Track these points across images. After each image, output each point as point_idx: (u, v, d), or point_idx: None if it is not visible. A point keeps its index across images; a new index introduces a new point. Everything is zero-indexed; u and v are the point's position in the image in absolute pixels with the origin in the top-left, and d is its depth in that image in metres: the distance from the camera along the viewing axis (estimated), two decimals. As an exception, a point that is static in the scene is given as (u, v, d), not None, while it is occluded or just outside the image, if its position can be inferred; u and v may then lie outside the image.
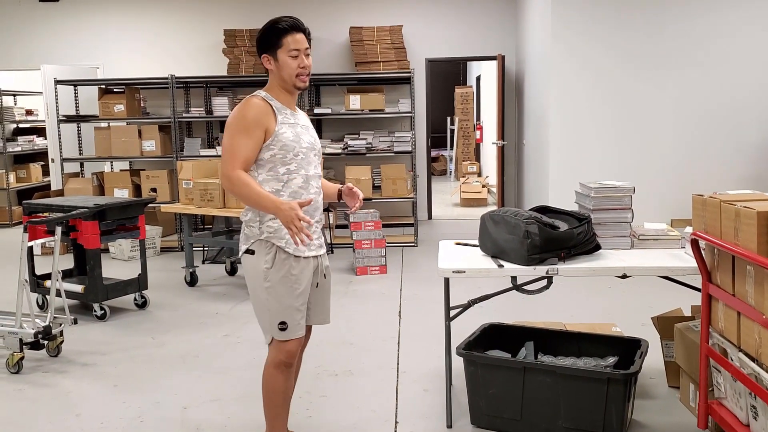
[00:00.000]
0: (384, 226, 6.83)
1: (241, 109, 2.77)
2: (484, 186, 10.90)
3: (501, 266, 3.18)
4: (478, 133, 13.20)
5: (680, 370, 3.53)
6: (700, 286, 2.98)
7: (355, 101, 7.94)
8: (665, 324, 3.77)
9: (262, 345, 4.51)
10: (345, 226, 8.09)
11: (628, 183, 3.61)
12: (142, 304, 5.50)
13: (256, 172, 2.80)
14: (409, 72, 7.94)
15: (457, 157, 14.32)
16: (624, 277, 3.17)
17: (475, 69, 14.84)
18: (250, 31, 8.56)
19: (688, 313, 4.00)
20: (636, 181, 6.82)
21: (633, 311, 5.02)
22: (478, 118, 14.19)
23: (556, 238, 3.18)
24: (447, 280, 3.28)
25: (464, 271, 3.19)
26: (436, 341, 4.49)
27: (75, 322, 4.47)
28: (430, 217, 9.58)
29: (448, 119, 15.36)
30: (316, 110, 8.27)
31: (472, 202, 10.73)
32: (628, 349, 3.43)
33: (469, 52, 9.30)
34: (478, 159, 13.93)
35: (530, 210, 3.49)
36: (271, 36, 2.80)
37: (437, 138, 13.99)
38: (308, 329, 3.02)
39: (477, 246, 3.57)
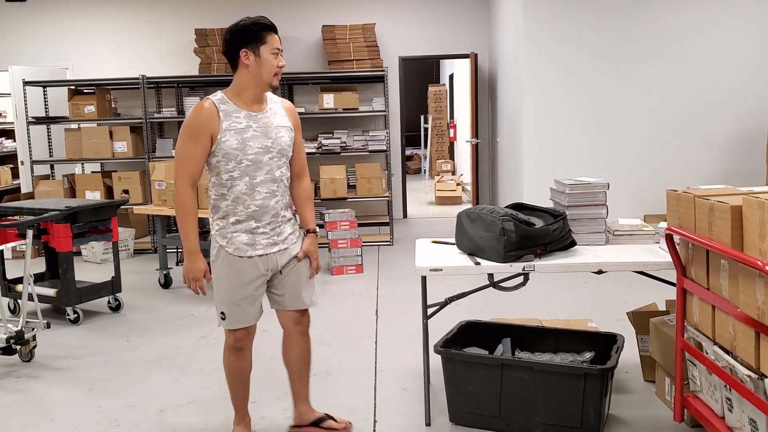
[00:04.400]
0: (359, 225, 6.82)
1: (190, 115, 2.81)
2: (458, 184, 10.94)
3: (478, 264, 3.19)
4: (452, 131, 13.24)
5: (656, 365, 3.57)
6: (674, 281, 3.02)
7: (329, 100, 7.91)
8: (640, 319, 3.81)
9: (238, 346, 4.49)
10: (320, 226, 8.06)
11: (602, 179, 3.64)
12: (116, 307, 5.43)
13: (209, 175, 2.91)
14: (383, 70, 7.94)
15: (431, 156, 14.35)
16: (599, 272, 3.20)
17: (448, 67, 14.88)
18: (221, 31, 8.49)
19: (662, 307, 4.05)
20: (610, 177, 6.86)
21: (608, 306, 5.07)
22: (452, 117, 14.24)
23: (532, 235, 3.20)
24: (424, 279, 3.28)
25: (441, 269, 3.19)
26: (413, 339, 4.49)
27: (48, 326, 4.40)
28: (405, 215, 9.59)
29: (422, 118, 15.40)
30: (290, 109, 8.22)
31: (447, 200, 10.76)
32: (605, 344, 3.46)
33: (442, 51, 9.32)
34: (452, 157, 13.97)
35: (506, 207, 3.50)
36: (255, 31, 2.82)
37: (411, 137, 14.00)
38: (303, 312, 3.19)
39: (454, 244, 3.57)
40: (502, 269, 3.17)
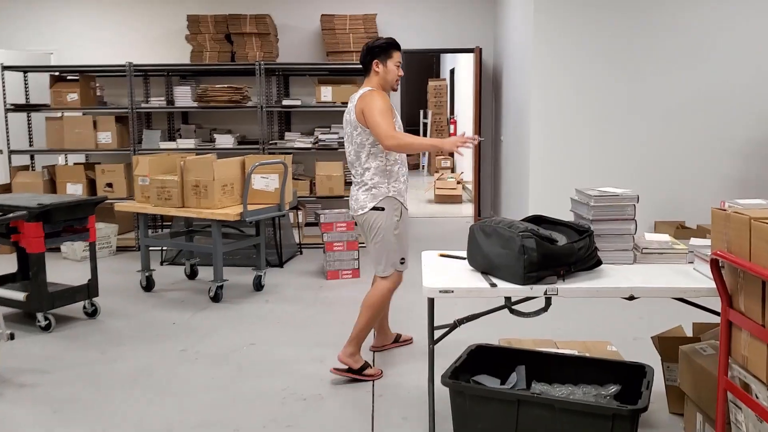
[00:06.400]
0: (356, 225, 6.43)
1: (379, 98, 3.69)
2: (459, 182, 10.56)
3: (494, 285, 2.82)
4: (452, 127, 12.85)
5: (685, 398, 3.21)
6: (714, 309, 2.65)
7: (326, 93, 7.52)
8: (667, 345, 3.45)
9: (222, 362, 4.10)
10: (315, 224, 7.68)
11: (630, 190, 3.27)
12: (92, 313, 5.04)
13: (375, 147, 3.74)
14: (384, 63, 7.54)
15: (430, 152, 13.96)
16: (631, 298, 2.83)
17: (449, 61, 14.47)
18: (214, 17, 8.06)
19: (688, 330, 3.70)
20: (619, 182, 6.54)
21: (624, 323, 4.71)
22: (452, 112, 13.84)
23: (556, 254, 2.83)
24: (432, 301, 2.91)
25: (452, 291, 2.82)
26: (415, 358, 4.12)
27: (11, 337, 3.99)
28: (403, 215, 9.20)
29: (421, 113, 14.99)
30: (285, 102, 7.83)
31: (446, 198, 10.38)
32: (630, 374, 3.09)
33: (444, 44, 8.92)
34: (451, 154, 13.59)
35: (523, 220, 3.13)
36: (386, 48, 3.82)
37: (410, 132, 13.57)
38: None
39: (464, 258, 3.20)
40: (521, 292, 2.80)
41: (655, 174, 6.56)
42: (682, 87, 6.52)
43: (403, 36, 8.70)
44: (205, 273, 6.12)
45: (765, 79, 6.48)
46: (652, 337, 3.55)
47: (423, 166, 14.73)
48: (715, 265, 2.55)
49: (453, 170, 12.10)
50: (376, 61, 3.80)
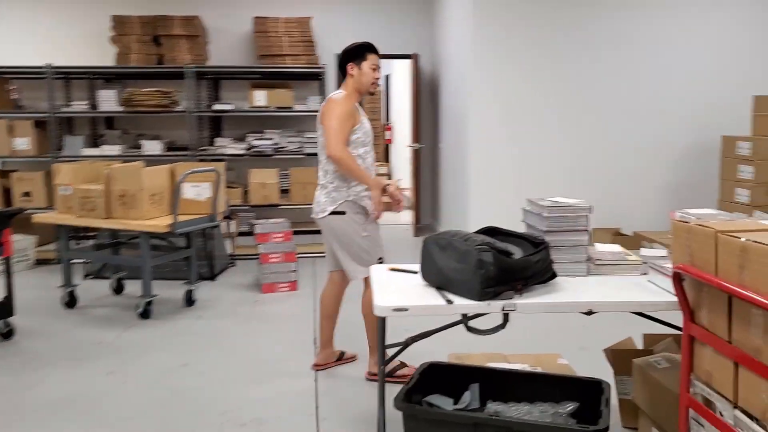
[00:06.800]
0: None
1: (341, 105, 3.70)
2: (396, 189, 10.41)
3: (450, 302, 2.66)
4: (387, 133, 12.73)
5: (639, 412, 3.13)
6: (671, 322, 2.58)
7: (260, 97, 7.27)
8: (620, 358, 3.38)
9: (153, 385, 3.82)
10: (248, 234, 7.39)
11: (583, 201, 3.19)
12: (8, 334, 4.64)
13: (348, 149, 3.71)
14: (321, 67, 7.36)
15: (364, 158, 13.81)
16: (590, 313, 2.72)
17: (384, 68, 14.37)
18: (141, 18, 7.69)
19: (638, 341, 3.65)
20: (559, 188, 6.54)
21: (568, 332, 4.64)
22: (388, 119, 13.73)
23: (513, 268, 2.70)
24: (383, 320, 2.73)
25: (407, 309, 2.64)
26: (358, 372, 3.94)
27: None
28: (340, 223, 9.01)
29: (355, 118, 14.82)
30: (216, 106, 7.54)
31: (384, 205, 10.21)
32: (587, 390, 3.00)
33: (382, 50, 8.55)
34: (388, 160, 13.47)
35: (477, 232, 3.00)
36: (360, 50, 3.84)
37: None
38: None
39: (416, 272, 3.04)
40: (478, 308, 2.66)
41: (591, 181, 6.59)
42: (617, 95, 6.57)
43: (340, 41, 8.46)
44: (133, 287, 5.77)
45: (697, 87, 6.60)
46: (604, 350, 3.48)
47: (357, 172, 14.56)
48: (677, 279, 2.46)
49: (389, 177, 11.98)
50: (350, 64, 3.81)
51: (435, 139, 8.63)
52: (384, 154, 13.78)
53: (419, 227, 8.54)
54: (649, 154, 6.67)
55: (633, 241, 6.29)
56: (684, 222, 2.46)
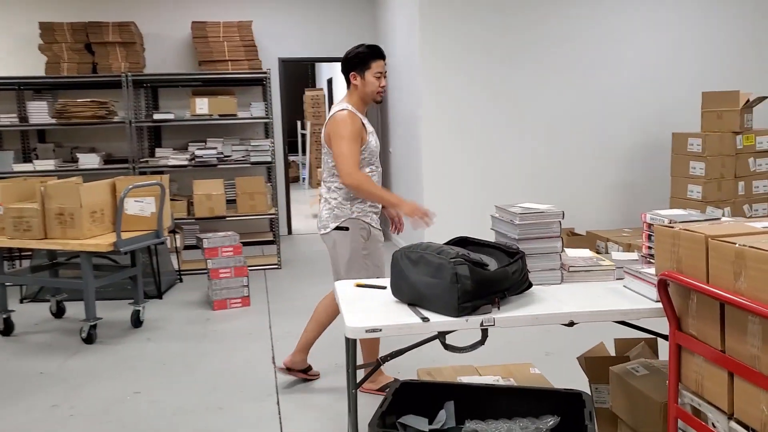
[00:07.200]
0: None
1: (347, 123, 3.49)
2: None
3: (426, 319, 2.51)
4: (332, 138, 12.53)
5: (618, 421, 3.05)
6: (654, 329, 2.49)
7: (202, 105, 6.99)
8: (595, 365, 3.28)
9: (102, 418, 3.55)
10: (194, 247, 7.11)
11: (554, 207, 3.08)
12: (-62, 369, 4.29)
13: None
14: (265, 73, 7.13)
15: (311, 164, 13.58)
16: (571, 324, 2.61)
17: (325, 71, 14.18)
18: (72, 25, 7.32)
19: (609, 346, 3.57)
20: (511, 188, 6.49)
21: (532, 338, 4.56)
22: (331, 123, 13.53)
23: (490, 280, 2.56)
24: (354, 342, 2.56)
25: (380, 329, 2.48)
26: (325, 395, 3.75)
27: None
28: (290, 232, 8.79)
29: (299, 123, 14.57)
30: (156, 115, 7.23)
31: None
32: (567, 403, 2.89)
33: (325, 53, 8.61)
34: (332, 165, 13.27)
35: (447, 243, 2.86)
36: (363, 58, 3.58)
37: (288, 143, 13.16)
38: None
39: (384, 288, 2.88)
40: (455, 325, 2.51)
41: (543, 181, 6.57)
42: (566, 95, 6.57)
43: (283, 45, 8.35)
44: (75, 309, 5.44)
45: (644, 88, 6.66)
46: (578, 358, 3.39)
47: (304, 178, 14.32)
48: (663, 286, 2.37)
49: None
50: (353, 73, 3.60)
51: (383, 143, 8.49)
52: (329, 159, 13.57)
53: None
54: (600, 153, 6.69)
55: (587, 241, 6.29)
56: (668, 227, 2.37)
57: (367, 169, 3.60)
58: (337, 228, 3.60)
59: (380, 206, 3.70)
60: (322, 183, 3.78)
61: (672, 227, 2.34)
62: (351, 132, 3.48)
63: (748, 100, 5.74)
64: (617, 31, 6.57)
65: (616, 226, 6.71)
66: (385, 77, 3.65)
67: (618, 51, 6.58)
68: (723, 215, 5.40)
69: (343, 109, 3.55)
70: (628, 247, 5.85)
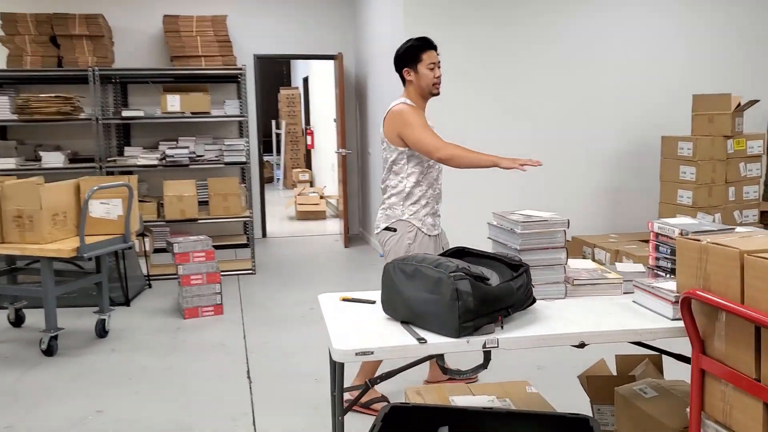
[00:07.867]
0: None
1: (411, 113, 3.42)
2: (322, 197, 9.96)
3: (422, 341, 2.25)
4: (308, 138, 12.25)
5: (624, 446, 2.83)
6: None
7: (173, 102, 6.68)
8: (597, 385, 3.07)
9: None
10: (164, 251, 6.77)
11: (558, 215, 2.84)
12: None
13: (406, 165, 3.48)
14: (240, 69, 6.83)
15: (285, 164, 13.27)
16: (582, 346, 2.38)
17: (300, 69, 13.87)
18: (35, 17, 6.95)
19: (607, 358, 3.36)
20: (494, 192, 6.26)
21: (522, 350, 4.31)
22: (308, 122, 13.25)
23: (494, 297, 2.32)
24: (342, 366, 2.30)
25: (372, 352, 2.22)
26: (304, 412, 3.49)
27: None
28: (264, 235, 8.48)
29: (273, 123, 14.26)
30: (125, 113, 6.90)
31: (310, 215, 9.75)
32: (571, 429, 2.65)
33: (302, 50, 8.33)
34: (309, 166, 12.97)
35: (444, 254, 2.61)
36: (413, 52, 3.47)
37: (265, 142, 12.87)
38: None
39: (373, 302, 2.63)
40: (456, 347, 2.26)
41: (528, 186, 6.35)
42: (552, 97, 6.38)
43: (258, 40, 8.05)
44: (35, 317, 5.09)
45: (630, 92, 6.50)
46: (579, 377, 3.17)
47: (278, 179, 14.00)
48: (686, 305, 2.15)
49: (312, 184, 11.51)
50: (406, 69, 3.50)
51: (363, 144, 8.24)
52: (305, 159, 13.28)
53: (350, 237, 8.11)
54: (586, 156, 6.51)
55: (574, 246, 6.10)
56: (694, 240, 2.14)
57: (425, 164, 3.51)
58: (386, 228, 3.52)
59: (439, 210, 3.61)
60: (381, 182, 3.67)
61: (699, 240, 2.12)
62: (417, 118, 3.42)
63: (739, 104, 5.58)
64: (603, 33, 6.40)
65: (601, 232, 6.52)
66: (439, 67, 3.52)
67: (604, 53, 6.41)
68: (714, 221, 5.24)
69: (400, 102, 3.48)
70: (616, 254, 5.67)
